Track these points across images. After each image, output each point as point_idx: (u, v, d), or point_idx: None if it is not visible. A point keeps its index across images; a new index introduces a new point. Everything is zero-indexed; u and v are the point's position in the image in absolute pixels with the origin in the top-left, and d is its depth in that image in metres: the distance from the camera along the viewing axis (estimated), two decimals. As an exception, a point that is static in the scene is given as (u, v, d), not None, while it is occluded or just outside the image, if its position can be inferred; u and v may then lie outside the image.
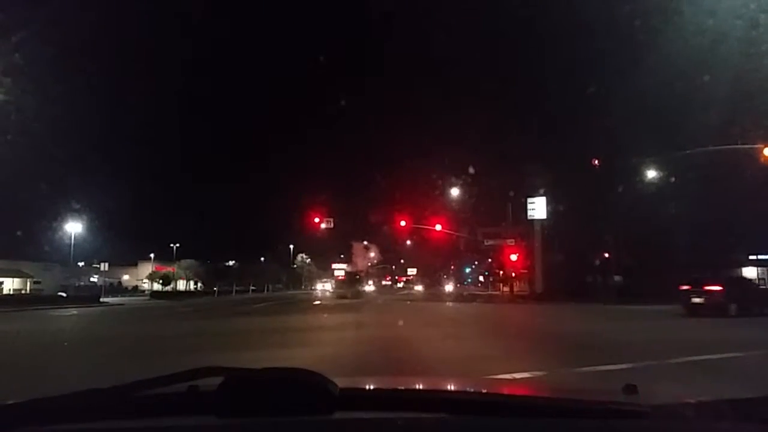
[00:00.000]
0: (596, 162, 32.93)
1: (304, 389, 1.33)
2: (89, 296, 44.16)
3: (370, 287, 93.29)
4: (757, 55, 20.90)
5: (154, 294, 59.11)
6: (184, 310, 28.70)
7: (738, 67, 22.77)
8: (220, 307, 31.42)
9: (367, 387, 1.93)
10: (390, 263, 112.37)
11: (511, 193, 42.62)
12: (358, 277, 68.39)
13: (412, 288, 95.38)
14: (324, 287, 72.59)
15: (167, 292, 65.68)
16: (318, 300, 42.53)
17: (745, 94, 24.02)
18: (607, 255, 35.96)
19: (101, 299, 41.86)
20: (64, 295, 42.50)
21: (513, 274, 46.56)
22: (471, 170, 43.00)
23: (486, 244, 45.19)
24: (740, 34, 21.13)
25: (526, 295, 43.31)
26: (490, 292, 62.42)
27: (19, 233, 46.27)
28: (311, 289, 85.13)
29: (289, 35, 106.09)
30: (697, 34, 22.89)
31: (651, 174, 29.47)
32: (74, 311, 30.21)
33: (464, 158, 48.37)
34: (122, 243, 67.59)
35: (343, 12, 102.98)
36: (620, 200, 32.57)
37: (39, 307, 32.04)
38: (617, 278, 36.30)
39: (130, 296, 60.97)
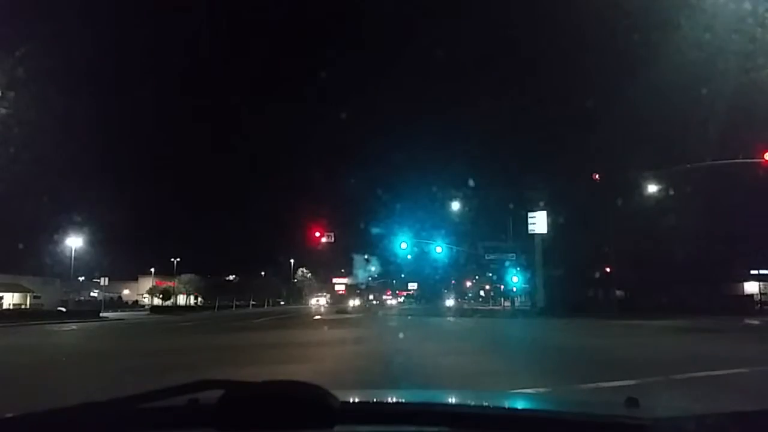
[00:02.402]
0: (596, 176, 32.97)
1: (305, 403, 1.32)
2: (89, 311, 44.06)
3: (370, 302, 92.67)
4: (755, 69, 21.03)
5: (154, 309, 58.80)
6: (184, 324, 28.58)
7: (736, 81, 22.92)
8: (220, 322, 31.26)
9: (368, 400, 1.92)
10: (391, 277, 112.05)
11: (511, 206, 42.62)
12: (358, 291, 68.22)
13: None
14: (318, 302, 71.17)
15: (167, 306, 65.35)
16: (318, 315, 42.32)
17: (743, 108, 24.14)
18: (608, 269, 35.85)
19: (101, 314, 41.72)
20: (63, 309, 42.34)
21: (514, 289, 46.42)
22: (471, 183, 43.09)
23: (487, 258, 45.05)
24: (738, 48, 21.30)
25: (527, 310, 43.13)
26: (491, 307, 62.19)
27: (21, 246, 46.21)
28: (310, 304, 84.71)
29: (290, 50, 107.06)
30: (695, 48, 23.09)
31: (651, 188, 29.45)
32: (74, 326, 30.11)
33: (464, 171, 48.57)
34: (122, 257, 67.64)
35: (342, 25, 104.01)
36: (620, 214, 32.53)
37: (39, 322, 31.92)
38: (618, 293, 36.16)
39: (130, 311, 60.69)
